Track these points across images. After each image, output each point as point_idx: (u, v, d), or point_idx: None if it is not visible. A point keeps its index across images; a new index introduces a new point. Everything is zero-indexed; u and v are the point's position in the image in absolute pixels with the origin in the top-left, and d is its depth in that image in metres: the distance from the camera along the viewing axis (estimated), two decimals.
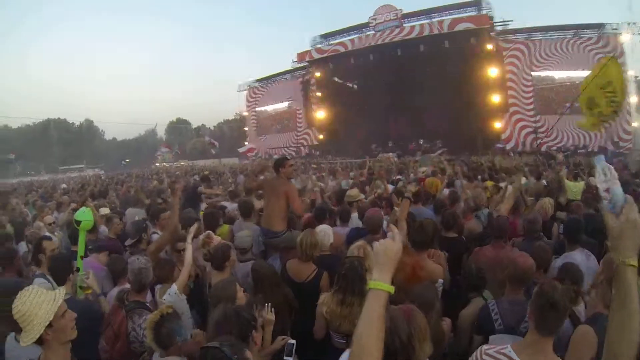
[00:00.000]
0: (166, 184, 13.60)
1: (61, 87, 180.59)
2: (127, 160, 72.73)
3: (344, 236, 5.60)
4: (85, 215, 4.38)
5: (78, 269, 4.09)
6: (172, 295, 3.63)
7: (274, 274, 3.97)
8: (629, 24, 31.11)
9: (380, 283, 1.59)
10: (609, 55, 8.41)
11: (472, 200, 6.87)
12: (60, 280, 3.82)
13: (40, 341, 2.32)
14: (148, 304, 3.75)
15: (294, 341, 3.13)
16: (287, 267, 4.44)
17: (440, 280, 3.88)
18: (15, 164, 51.69)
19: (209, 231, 5.04)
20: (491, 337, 3.05)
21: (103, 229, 6.37)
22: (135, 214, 7.72)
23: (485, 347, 2.51)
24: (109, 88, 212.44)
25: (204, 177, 10.34)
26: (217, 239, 4.83)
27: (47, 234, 6.37)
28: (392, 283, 1.61)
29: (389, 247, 1.68)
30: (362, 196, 7.24)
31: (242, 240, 5.03)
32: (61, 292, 2.48)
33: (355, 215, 6.50)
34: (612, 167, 1.67)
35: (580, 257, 4.28)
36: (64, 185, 21.01)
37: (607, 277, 2.88)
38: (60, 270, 3.89)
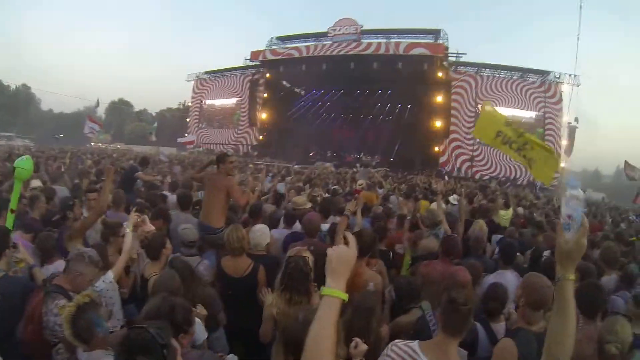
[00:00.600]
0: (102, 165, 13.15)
1: None
2: (61, 135, 69.36)
3: (280, 240, 5.58)
4: (25, 163, 4.14)
5: (15, 245, 3.77)
6: (107, 283, 3.49)
7: (188, 270, 3.72)
8: (570, 75, 33.66)
9: (334, 290, 1.57)
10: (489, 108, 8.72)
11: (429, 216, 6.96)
12: None
13: None
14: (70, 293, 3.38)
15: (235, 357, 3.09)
16: (222, 264, 4.36)
17: (371, 284, 3.95)
18: None
19: (145, 216, 4.85)
20: None
21: None
22: (62, 191, 7.46)
23: (396, 341, 2.59)
24: (53, 54, 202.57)
25: (143, 159, 9.92)
26: (150, 227, 4.64)
27: None
28: None
29: (344, 253, 1.65)
30: (309, 205, 7.21)
31: (188, 233, 4.79)
32: None
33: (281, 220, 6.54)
34: (582, 192, 1.77)
35: (511, 277, 4.52)
36: None
37: (527, 301, 3.05)
38: None
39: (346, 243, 1.72)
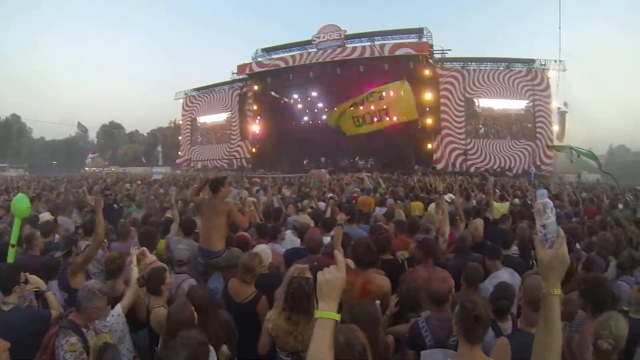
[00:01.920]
0: (96, 190, 13.14)
1: None
2: (55, 162, 69.29)
3: (281, 255, 5.60)
4: (22, 201, 4.19)
5: (26, 281, 3.85)
6: (116, 317, 3.59)
7: (207, 301, 3.78)
8: (556, 61, 34.09)
9: (326, 312, 1.64)
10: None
11: (427, 223, 6.97)
12: (6, 291, 3.66)
13: None
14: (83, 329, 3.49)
15: None
16: (228, 285, 4.42)
17: (378, 302, 4.03)
18: None
19: (144, 248, 4.86)
20: (423, 353, 3.18)
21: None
22: (66, 222, 7.53)
23: None
24: (40, 84, 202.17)
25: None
26: (151, 257, 4.78)
27: None
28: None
29: (332, 278, 1.70)
30: (312, 224, 7.19)
31: (180, 253, 5.08)
32: None
33: (289, 232, 6.60)
34: (550, 203, 1.75)
35: (506, 276, 4.52)
36: None
37: (527, 301, 3.10)
38: (7, 279, 3.71)
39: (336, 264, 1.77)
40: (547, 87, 34.44)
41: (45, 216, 7.23)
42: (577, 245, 5.94)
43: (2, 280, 3.71)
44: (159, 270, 4.20)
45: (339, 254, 1.88)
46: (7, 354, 2.45)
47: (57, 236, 6.33)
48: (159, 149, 51.26)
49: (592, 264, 4.50)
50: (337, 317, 1.65)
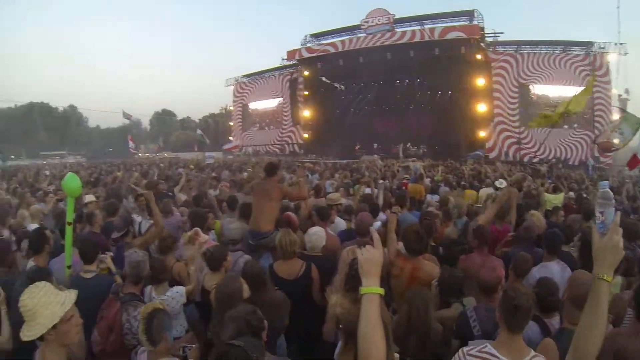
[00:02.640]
0: (152, 175, 13.60)
1: (45, 70, 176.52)
2: (110, 149, 71.86)
3: (337, 238, 5.70)
4: (72, 181, 4.34)
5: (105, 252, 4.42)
6: (175, 294, 3.85)
7: (259, 274, 3.91)
8: (616, 44, 31.89)
9: (369, 288, 1.79)
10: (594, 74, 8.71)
11: (454, 208, 6.98)
12: (88, 261, 4.17)
13: (41, 338, 2.34)
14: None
15: None
16: (274, 268, 4.51)
17: (435, 281, 4.03)
18: None
19: (196, 228, 5.14)
20: (470, 343, 3.12)
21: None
22: (126, 205, 8.01)
23: (465, 348, 2.65)
24: (94, 74, 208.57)
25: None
26: (204, 237, 5.01)
27: (33, 224, 6.41)
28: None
29: (370, 254, 1.84)
30: (343, 200, 7.29)
31: (232, 233, 5.40)
32: (71, 296, 2.49)
33: (338, 219, 6.62)
34: (611, 193, 1.83)
35: (556, 269, 4.44)
36: (47, 172, 20.44)
37: (570, 296, 3.03)
38: (89, 251, 4.22)
39: (371, 242, 1.91)
40: (607, 72, 31.92)
41: (89, 198, 7.58)
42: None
43: (85, 252, 4.22)
44: (222, 248, 4.46)
45: (374, 231, 2.01)
46: (80, 328, 2.54)
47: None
48: (199, 131, 51.88)
49: None
50: (381, 290, 1.80)
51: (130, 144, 43.50)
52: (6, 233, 6.19)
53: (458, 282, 4.01)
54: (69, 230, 4.17)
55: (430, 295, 3.55)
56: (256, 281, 3.74)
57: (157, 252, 4.92)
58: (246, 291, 3.41)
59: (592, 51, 32.43)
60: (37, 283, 2.47)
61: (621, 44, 31.76)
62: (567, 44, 33.67)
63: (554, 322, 3.47)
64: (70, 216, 4.22)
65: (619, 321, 3.13)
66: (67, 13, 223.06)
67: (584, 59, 32.43)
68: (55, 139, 75.37)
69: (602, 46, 32.25)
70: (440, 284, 4.02)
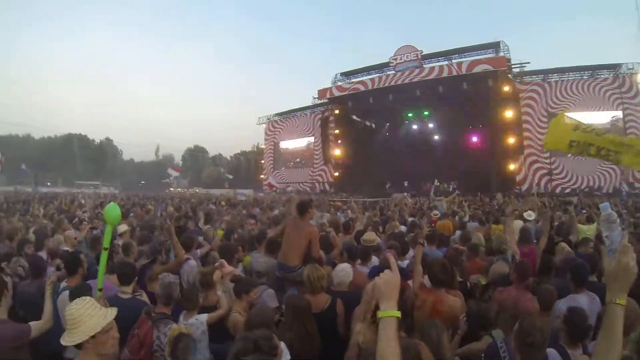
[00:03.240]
0: (185, 210, 13.98)
1: (82, 103, 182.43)
2: (143, 182, 73.94)
3: (366, 275, 5.70)
4: (113, 209, 4.61)
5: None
6: (198, 322, 4.04)
7: (305, 307, 4.01)
8: None
9: (387, 311, 1.85)
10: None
11: (496, 243, 6.80)
12: (125, 282, 4.54)
13: (79, 346, 2.56)
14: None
15: None
16: None
17: (463, 316, 4.10)
18: (30, 174, 51.99)
19: (222, 260, 5.34)
20: None
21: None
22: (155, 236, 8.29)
23: None
24: (129, 108, 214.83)
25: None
26: (229, 268, 5.22)
27: (67, 248, 6.81)
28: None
29: (388, 279, 1.92)
30: (379, 240, 7.34)
31: (259, 265, 5.98)
32: (112, 312, 2.73)
33: (375, 258, 6.53)
34: (614, 214, 1.84)
35: (584, 300, 4.34)
36: (82, 201, 21.02)
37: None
38: (127, 273, 4.62)
39: (388, 267, 1.99)
40: (637, 93, 31.49)
41: (122, 228, 7.97)
42: None
43: (124, 274, 4.61)
44: (250, 280, 4.78)
45: (391, 257, 2.12)
46: (116, 341, 2.76)
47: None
48: (221, 169, 52.77)
49: None
50: (397, 314, 1.85)
51: (174, 173, 44.08)
52: (44, 255, 6.48)
53: (488, 315, 4.06)
54: (104, 255, 4.36)
55: (443, 326, 3.51)
56: (300, 313, 3.86)
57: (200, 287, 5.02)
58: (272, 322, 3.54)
59: (620, 73, 32.02)
60: (83, 297, 2.72)
61: None
62: (594, 68, 33.28)
63: (577, 353, 3.44)
64: (107, 242, 4.46)
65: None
66: (105, 49, 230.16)
67: (613, 82, 32.00)
68: (90, 169, 79.53)
69: (630, 67, 31.76)
70: (468, 317, 4.07)
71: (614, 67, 32.61)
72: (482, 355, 3.54)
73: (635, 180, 29.98)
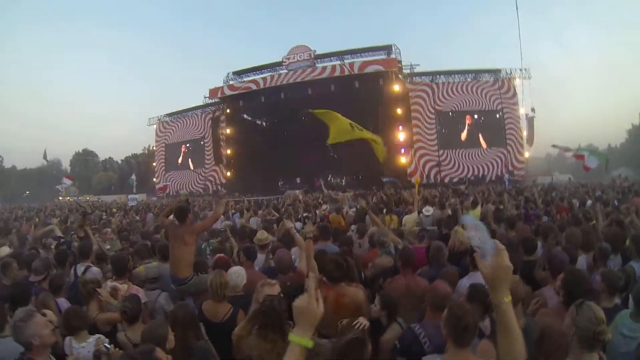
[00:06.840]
0: (73, 221, 12.91)
1: None
2: (28, 192, 68.30)
3: (263, 275, 5.38)
4: None
5: None
6: (87, 346, 3.61)
7: (191, 316, 3.88)
8: (521, 69, 35.66)
9: (297, 338, 1.74)
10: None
11: (377, 236, 6.99)
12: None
13: None
14: None
15: None
16: (203, 308, 4.41)
17: (373, 305, 4.06)
18: None
19: (114, 284, 4.85)
20: (423, 358, 3.14)
21: None
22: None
23: None
24: (8, 111, 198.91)
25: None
26: (123, 288, 4.79)
27: None
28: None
29: (305, 309, 1.80)
30: (271, 238, 7.24)
31: (149, 272, 5.64)
32: None
33: (262, 256, 6.48)
34: (480, 223, 1.89)
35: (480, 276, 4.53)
36: None
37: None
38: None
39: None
40: (514, 94, 36.09)
41: (4, 251, 7.10)
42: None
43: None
44: (137, 302, 4.24)
45: (313, 288, 1.91)
46: None
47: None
48: (133, 177, 50.57)
49: (554, 259, 4.58)
50: (309, 344, 1.74)
51: (68, 182, 41.68)
52: None
53: (396, 304, 4.05)
54: None
55: (362, 334, 3.40)
56: (188, 324, 3.68)
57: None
58: (171, 342, 3.25)
59: (500, 77, 36.41)
60: None
61: (525, 69, 35.54)
62: (477, 72, 37.32)
63: (486, 323, 3.56)
64: None
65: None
66: None
67: (494, 84, 36.28)
68: None
69: (509, 72, 36.22)
70: (383, 305, 4.02)
71: (494, 72, 36.97)
72: (396, 342, 3.55)
73: (515, 168, 34.47)
